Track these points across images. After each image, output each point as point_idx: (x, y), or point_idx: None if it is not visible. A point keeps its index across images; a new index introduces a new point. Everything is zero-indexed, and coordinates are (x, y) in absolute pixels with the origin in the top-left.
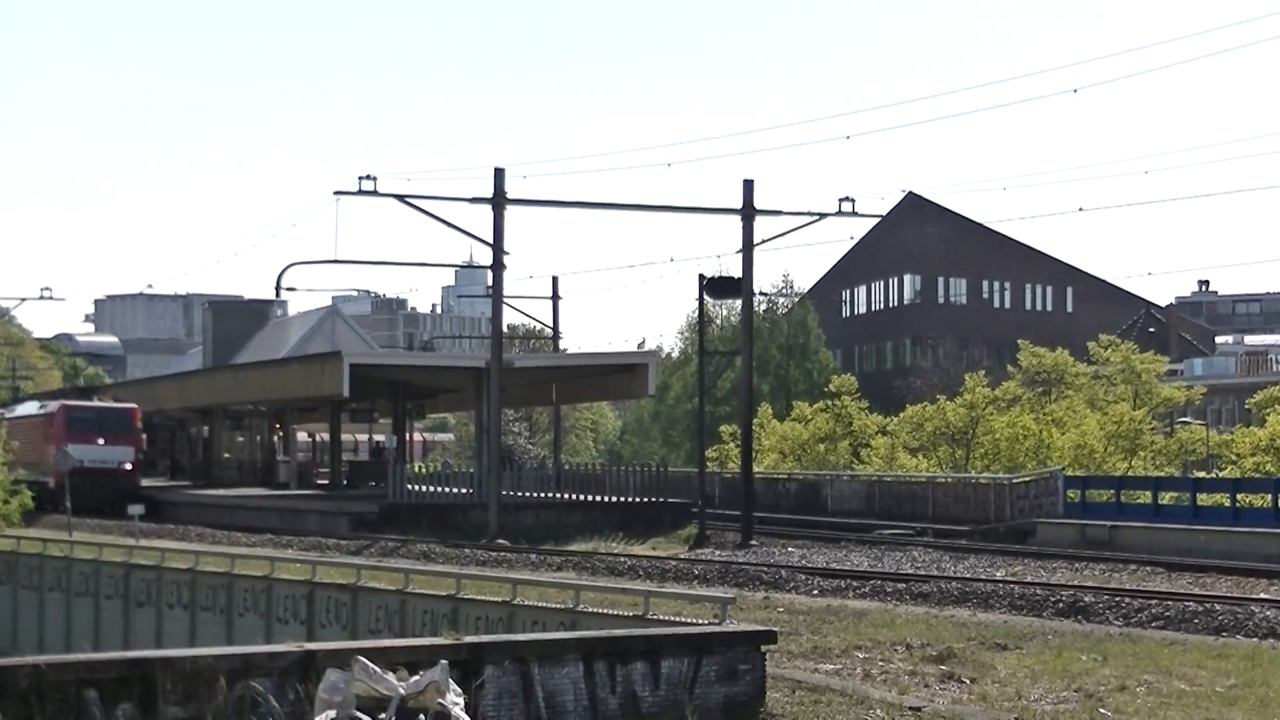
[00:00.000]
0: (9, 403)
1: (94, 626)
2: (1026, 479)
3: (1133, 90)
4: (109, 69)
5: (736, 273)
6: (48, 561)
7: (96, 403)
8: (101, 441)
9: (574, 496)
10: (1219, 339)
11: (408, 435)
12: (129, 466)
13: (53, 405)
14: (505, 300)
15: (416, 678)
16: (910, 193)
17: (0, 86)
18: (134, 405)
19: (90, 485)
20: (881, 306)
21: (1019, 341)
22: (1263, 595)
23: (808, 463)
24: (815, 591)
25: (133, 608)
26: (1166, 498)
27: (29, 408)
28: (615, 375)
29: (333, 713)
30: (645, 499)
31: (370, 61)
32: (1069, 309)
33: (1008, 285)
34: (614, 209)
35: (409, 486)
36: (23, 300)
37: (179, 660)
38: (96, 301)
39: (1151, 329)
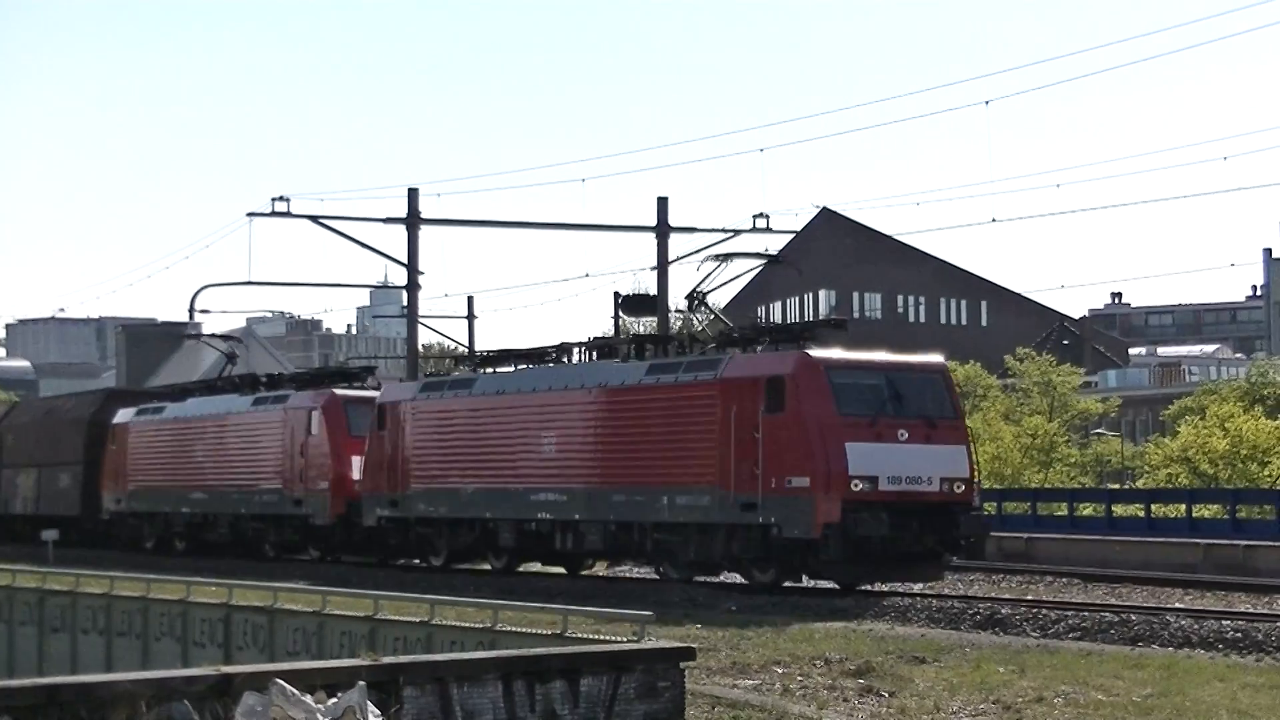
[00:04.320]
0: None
1: (7, 654)
2: None
3: (1044, 103)
4: (13, 89)
5: (653, 288)
6: None
7: (875, 355)
8: (904, 435)
9: None
10: (1132, 351)
11: None
12: (963, 488)
13: (742, 359)
14: (420, 320)
15: (335, 700)
16: (824, 208)
17: None
18: (941, 359)
19: (902, 527)
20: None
21: None
22: (1178, 605)
23: None
24: (734, 607)
25: (47, 634)
26: (1083, 509)
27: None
28: None
29: None
30: None
31: (283, 82)
32: (983, 323)
33: (922, 300)
34: (529, 228)
35: None
36: None
37: (95, 686)
38: (7, 326)
39: (1065, 341)
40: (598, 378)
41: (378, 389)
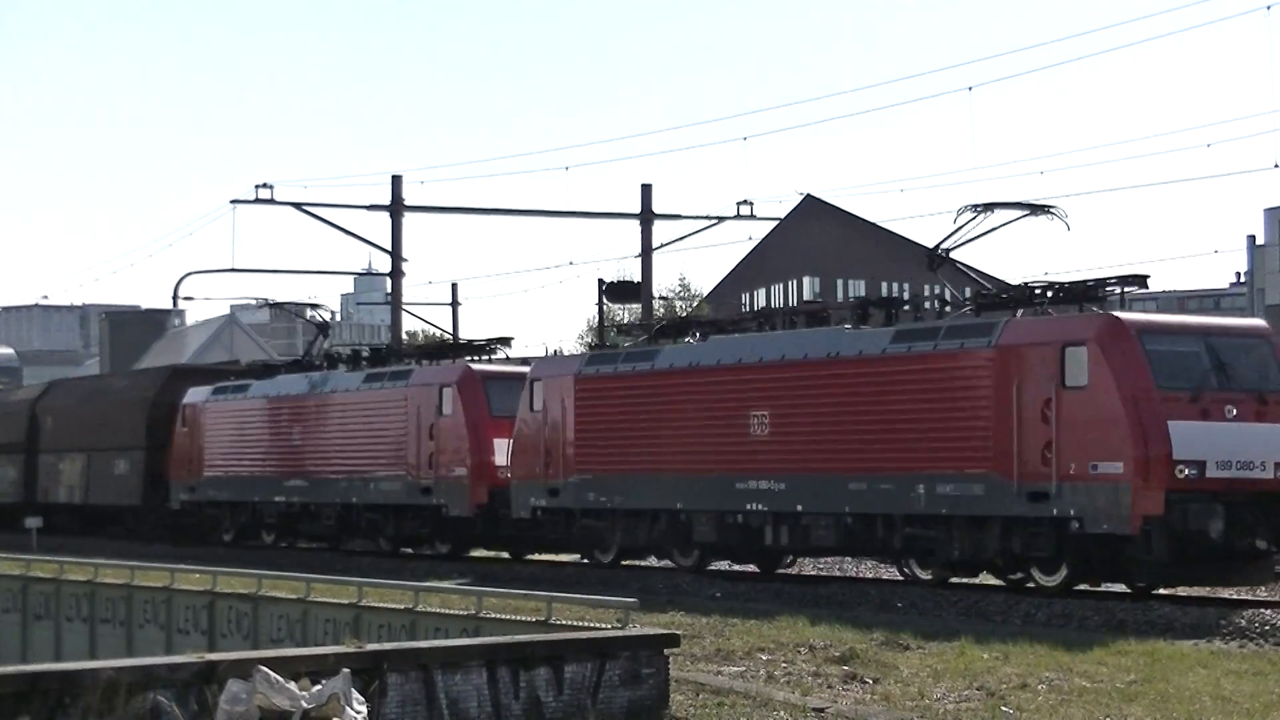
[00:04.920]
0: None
1: None
2: None
3: (1027, 89)
4: None
5: (637, 276)
6: None
7: (1190, 318)
8: (1232, 412)
9: None
10: None
11: None
12: None
13: (1023, 323)
14: (404, 307)
15: (319, 687)
16: (808, 195)
17: None
18: (1263, 322)
19: (1235, 521)
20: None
21: None
22: (1161, 592)
23: None
24: (718, 595)
25: (31, 622)
26: None
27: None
28: None
29: None
30: None
31: (267, 69)
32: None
33: (906, 286)
34: (512, 215)
35: None
36: None
37: (79, 673)
38: None
39: None
40: (825, 347)
41: (506, 362)
